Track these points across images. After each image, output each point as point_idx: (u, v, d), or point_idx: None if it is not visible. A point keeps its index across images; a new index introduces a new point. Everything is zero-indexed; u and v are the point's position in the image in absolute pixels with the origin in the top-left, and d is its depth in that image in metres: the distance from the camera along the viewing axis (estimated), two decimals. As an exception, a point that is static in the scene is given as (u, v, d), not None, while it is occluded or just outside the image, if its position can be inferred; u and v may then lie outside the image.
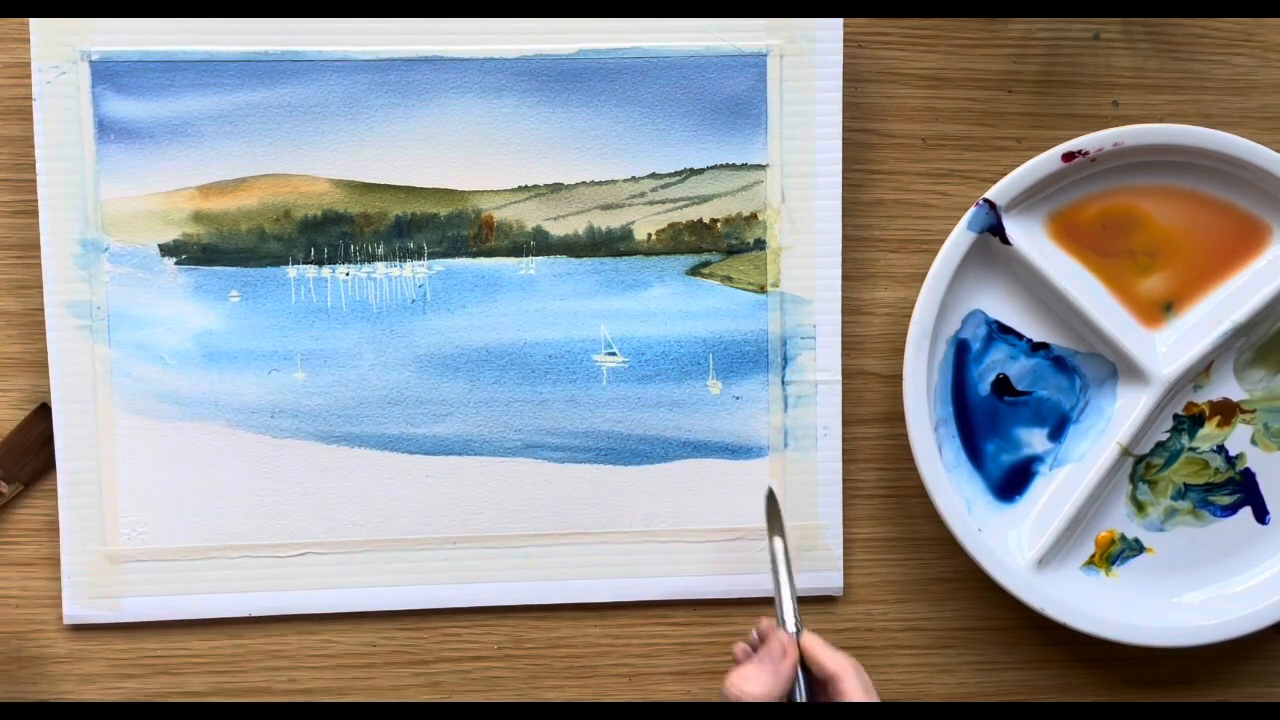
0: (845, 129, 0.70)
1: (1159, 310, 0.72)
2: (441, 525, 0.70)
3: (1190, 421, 0.73)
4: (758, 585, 0.72)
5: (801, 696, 0.60)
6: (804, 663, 0.61)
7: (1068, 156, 0.69)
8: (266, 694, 0.71)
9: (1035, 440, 0.72)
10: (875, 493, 0.73)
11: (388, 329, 0.70)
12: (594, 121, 0.70)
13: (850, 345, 0.72)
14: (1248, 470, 0.73)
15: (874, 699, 0.60)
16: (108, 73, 0.67)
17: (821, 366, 0.71)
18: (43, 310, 0.68)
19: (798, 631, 0.62)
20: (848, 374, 0.72)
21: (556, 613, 0.72)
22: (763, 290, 0.71)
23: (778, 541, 0.65)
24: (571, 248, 0.70)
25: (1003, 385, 0.72)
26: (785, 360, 0.71)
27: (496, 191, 0.70)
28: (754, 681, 0.59)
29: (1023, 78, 0.72)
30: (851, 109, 0.71)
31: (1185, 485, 0.73)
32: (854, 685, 0.59)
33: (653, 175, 0.70)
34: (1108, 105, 0.72)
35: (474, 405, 0.70)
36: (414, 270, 0.70)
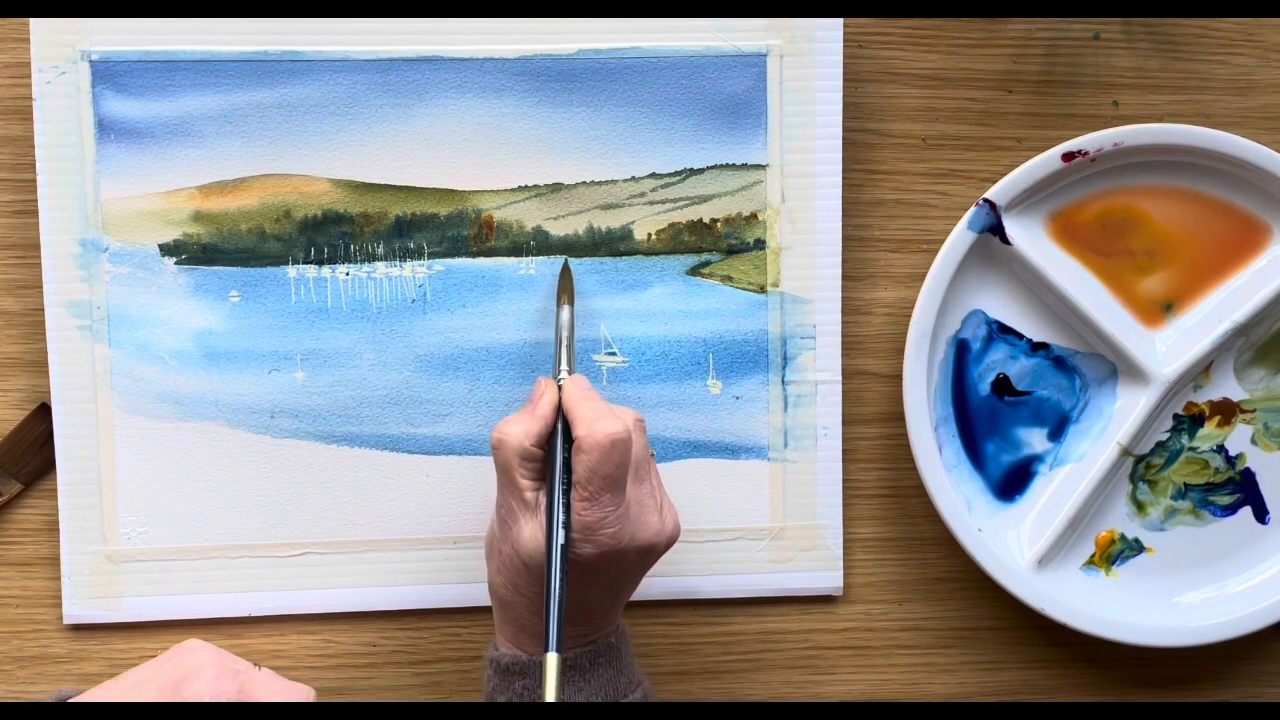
0: (845, 129, 0.70)
1: (1159, 310, 0.72)
2: (441, 525, 0.70)
3: (1190, 421, 0.73)
4: (759, 585, 0.72)
5: (559, 439, 0.60)
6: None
7: (1068, 156, 0.69)
8: (266, 694, 0.71)
9: (1035, 440, 0.72)
10: (875, 493, 0.73)
11: (388, 329, 0.70)
12: (594, 121, 0.69)
13: (850, 345, 0.72)
14: (1248, 470, 0.73)
15: (606, 447, 0.58)
16: (108, 73, 0.67)
17: (821, 366, 0.71)
18: (43, 310, 0.68)
19: (560, 379, 0.63)
20: (848, 374, 0.72)
21: (556, 613, 0.72)
22: (763, 290, 0.71)
23: (565, 310, 0.67)
24: (571, 248, 0.70)
25: (1003, 385, 0.72)
26: (785, 360, 0.71)
27: (496, 191, 0.70)
28: (512, 425, 0.60)
29: (1023, 78, 0.72)
30: (851, 109, 0.71)
31: (1185, 485, 0.73)
32: (583, 417, 0.59)
33: (653, 175, 0.70)
34: (1108, 105, 0.72)
35: (474, 405, 0.70)
36: (414, 270, 0.70)
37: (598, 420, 0.58)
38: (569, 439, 0.60)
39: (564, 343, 0.65)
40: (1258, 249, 0.72)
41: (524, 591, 0.60)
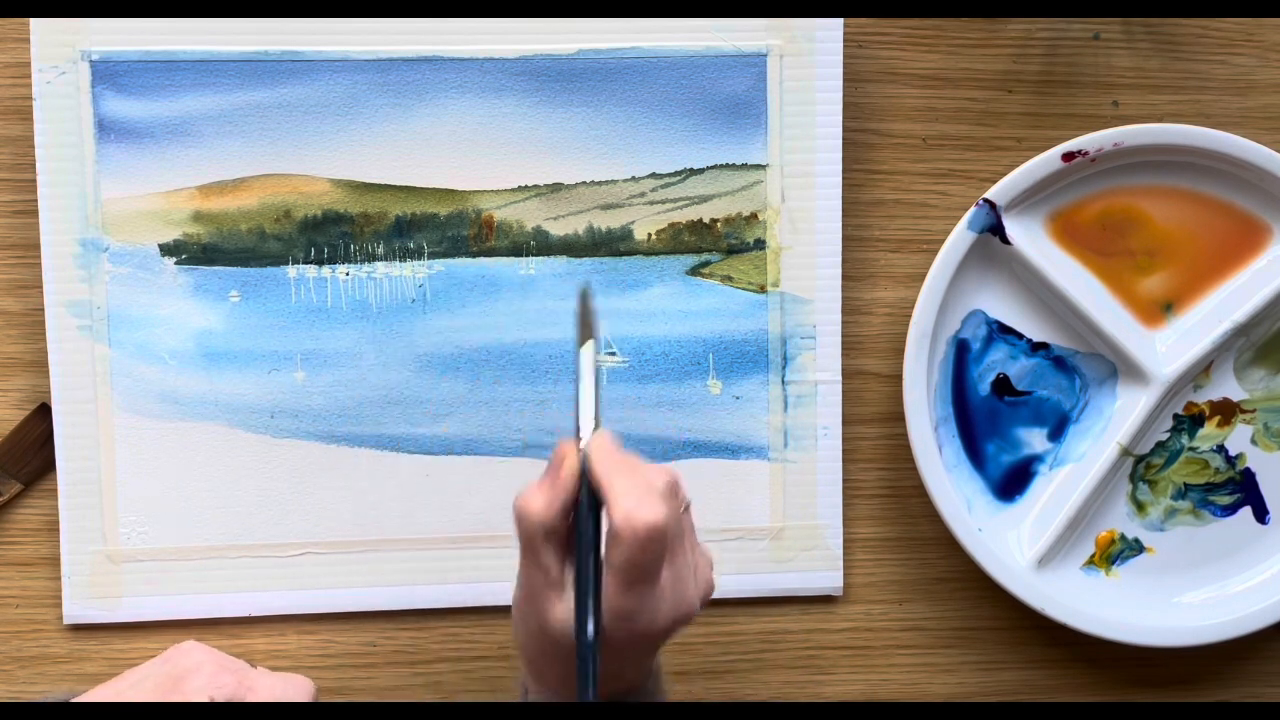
0: (845, 129, 0.70)
1: (1159, 310, 0.72)
2: (441, 525, 0.70)
3: (1190, 421, 0.73)
4: (759, 585, 0.72)
5: (585, 507, 0.53)
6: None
7: (1068, 156, 0.69)
8: (266, 694, 0.71)
9: (1035, 440, 0.72)
10: (875, 493, 0.73)
11: (388, 329, 0.70)
12: (594, 121, 0.70)
13: (850, 345, 0.72)
14: (1248, 470, 0.73)
15: (644, 519, 0.51)
16: (108, 73, 0.67)
17: (821, 366, 0.71)
18: (43, 310, 0.68)
19: (583, 439, 0.55)
20: (848, 374, 0.72)
21: (556, 613, 0.72)
22: (763, 290, 0.71)
23: (587, 348, 0.57)
24: (571, 248, 0.70)
25: (1003, 385, 0.72)
26: (785, 360, 0.71)
27: (496, 191, 0.70)
28: (534, 498, 0.54)
29: (1023, 78, 0.72)
30: (851, 109, 0.71)
31: (1185, 485, 0.73)
32: (619, 498, 0.52)
33: (653, 175, 0.70)
34: (1108, 105, 0.72)
35: (474, 405, 0.70)
36: (414, 270, 0.70)
37: (637, 508, 0.52)
38: (595, 507, 0.54)
39: (585, 393, 0.56)
40: (1258, 249, 0.72)
41: (555, 666, 0.56)
